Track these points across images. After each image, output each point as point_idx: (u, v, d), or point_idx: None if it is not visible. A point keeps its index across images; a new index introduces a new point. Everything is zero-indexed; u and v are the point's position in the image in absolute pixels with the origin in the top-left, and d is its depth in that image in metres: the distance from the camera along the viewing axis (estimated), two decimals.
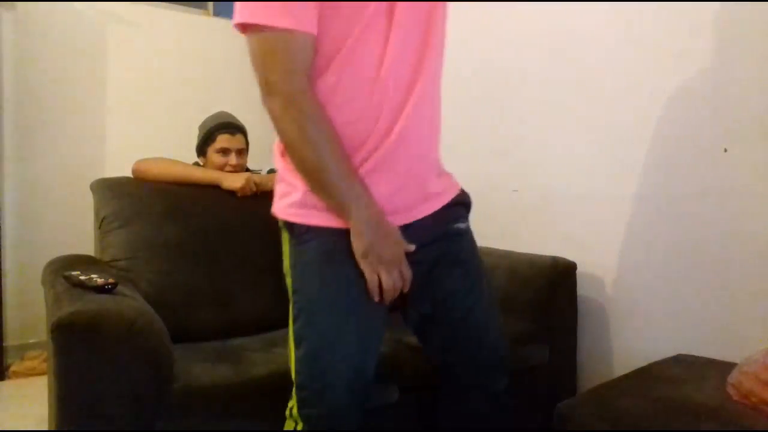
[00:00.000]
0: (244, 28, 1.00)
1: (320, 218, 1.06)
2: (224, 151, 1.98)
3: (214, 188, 1.91)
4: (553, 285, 1.83)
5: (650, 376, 1.35)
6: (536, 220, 2.12)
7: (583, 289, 1.90)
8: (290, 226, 1.11)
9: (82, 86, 2.85)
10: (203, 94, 3.03)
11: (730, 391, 1.20)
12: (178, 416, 1.27)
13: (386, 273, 1.03)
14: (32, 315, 2.61)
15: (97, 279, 1.41)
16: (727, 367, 1.30)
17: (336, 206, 1.03)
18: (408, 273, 1.07)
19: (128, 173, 1.97)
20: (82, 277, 1.42)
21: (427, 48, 1.07)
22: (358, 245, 1.03)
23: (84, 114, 2.85)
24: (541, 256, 1.91)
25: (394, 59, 1.03)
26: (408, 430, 1.57)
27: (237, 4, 1.00)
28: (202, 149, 2.05)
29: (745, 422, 1.08)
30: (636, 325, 1.81)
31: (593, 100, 1.92)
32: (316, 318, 1.07)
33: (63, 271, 1.51)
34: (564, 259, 1.87)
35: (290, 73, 0.99)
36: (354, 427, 1.07)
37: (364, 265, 1.03)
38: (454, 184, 1.24)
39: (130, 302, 1.34)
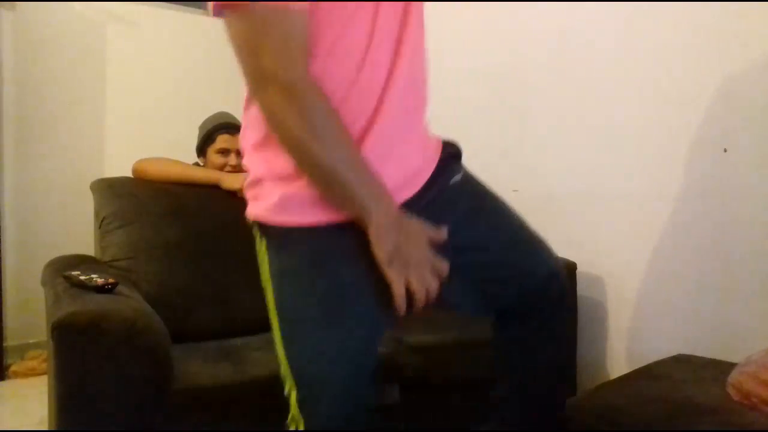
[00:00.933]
0: (225, 8, 0.85)
1: (303, 217, 0.95)
2: (224, 152, 1.98)
3: (214, 188, 1.91)
4: None
5: (650, 376, 1.35)
6: (536, 220, 2.10)
7: (583, 289, 1.90)
8: (268, 231, 0.99)
9: (82, 86, 2.85)
10: (203, 94, 3.02)
11: (730, 391, 1.20)
12: (178, 416, 1.27)
13: (416, 278, 0.90)
14: (32, 315, 2.61)
15: (97, 279, 1.41)
16: (727, 367, 1.29)
17: (353, 209, 0.91)
18: (442, 266, 0.93)
19: (128, 173, 1.97)
20: (82, 277, 1.42)
21: (405, 33, 0.97)
22: (380, 252, 0.89)
23: (84, 114, 2.85)
24: None
25: (375, 48, 0.93)
26: (408, 430, 1.57)
27: None
28: (201, 149, 2.05)
29: (745, 422, 1.08)
30: (636, 325, 1.81)
31: (593, 100, 1.92)
32: (307, 327, 0.97)
33: (63, 271, 1.51)
34: (564, 259, 1.87)
35: (289, 58, 0.85)
36: (359, 428, 1.01)
37: (390, 274, 0.89)
38: (435, 149, 1.12)
39: (130, 302, 1.34)
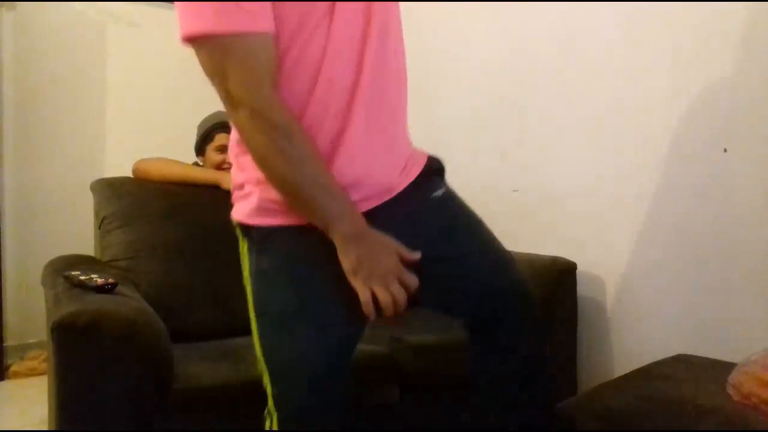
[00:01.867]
0: (190, 39, 0.91)
1: (282, 218, 0.99)
2: (222, 149, 1.99)
3: (214, 188, 1.91)
4: (553, 285, 1.83)
5: (650, 376, 1.35)
6: (536, 220, 2.12)
7: (583, 289, 1.90)
8: (249, 231, 1.03)
9: (82, 86, 2.85)
10: (203, 94, 3.01)
11: (730, 391, 1.20)
12: (178, 416, 1.27)
13: (381, 287, 0.93)
14: (32, 315, 2.61)
15: (97, 279, 1.41)
16: (727, 367, 1.29)
17: (318, 223, 0.95)
18: (411, 280, 0.96)
19: (128, 173, 1.97)
20: (82, 277, 1.42)
21: (367, 41, 0.98)
22: (345, 263, 0.94)
23: (84, 114, 2.85)
24: (541, 256, 1.91)
25: (335, 57, 0.96)
26: (408, 430, 1.57)
27: (178, 12, 0.90)
28: (200, 148, 2.06)
29: (745, 422, 1.08)
30: (636, 325, 1.81)
31: (593, 100, 1.92)
32: (282, 324, 1.01)
33: (63, 271, 1.51)
34: (564, 259, 1.87)
35: (253, 81, 0.90)
36: (335, 427, 1.03)
37: (355, 283, 0.94)
38: (416, 162, 1.13)
39: (130, 302, 1.34)
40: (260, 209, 1.00)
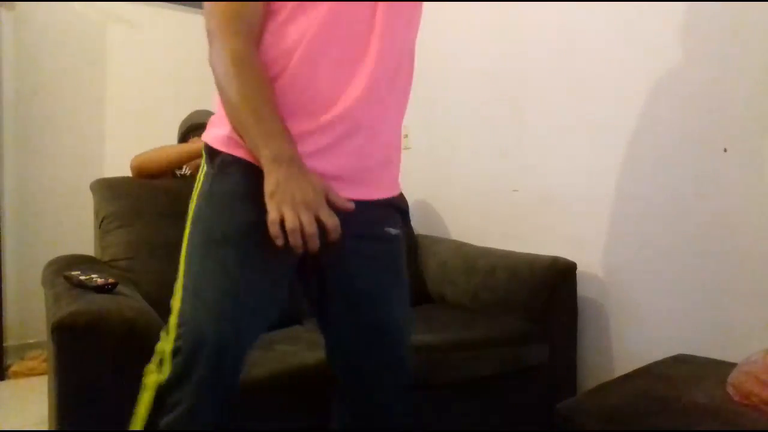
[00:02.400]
0: None
1: (246, 152, 1.01)
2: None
3: None
4: (553, 285, 1.83)
5: (650, 376, 1.35)
6: (536, 220, 2.12)
7: (583, 289, 1.90)
8: (213, 156, 1.06)
9: (82, 86, 2.85)
10: (203, 94, 3.02)
11: (730, 391, 1.20)
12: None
13: (291, 212, 0.91)
14: (32, 315, 2.61)
15: (97, 279, 1.41)
16: (727, 367, 1.29)
17: (250, 146, 0.98)
18: (330, 220, 0.94)
19: (128, 173, 1.97)
20: (82, 277, 1.42)
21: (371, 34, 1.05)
22: (266, 185, 0.94)
23: (84, 114, 2.85)
24: (541, 256, 1.91)
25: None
26: (408, 430, 1.57)
27: None
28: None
29: (745, 422, 1.08)
30: (636, 325, 1.81)
31: (593, 100, 1.92)
32: (218, 249, 1.01)
33: (63, 271, 1.51)
34: (564, 259, 1.87)
35: (231, 23, 1.00)
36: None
37: (269, 205, 0.92)
38: (396, 183, 1.19)
39: (130, 302, 1.34)
40: (230, 139, 1.04)
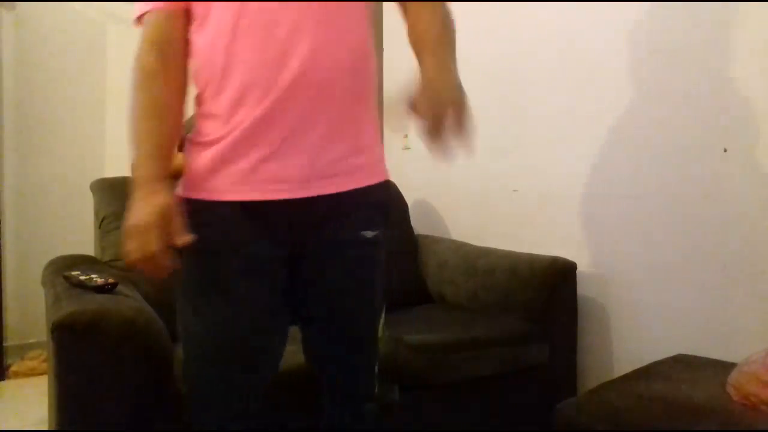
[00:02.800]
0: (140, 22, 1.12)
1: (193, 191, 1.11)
2: None
3: None
4: (553, 285, 1.83)
5: (650, 376, 1.35)
6: (536, 220, 2.12)
7: (583, 289, 1.90)
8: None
9: (82, 86, 2.85)
10: None
11: (730, 391, 1.20)
12: (177, 416, 1.26)
13: (127, 241, 1.00)
14: (32, 315, 2.61)
15: (97, 279, 1.41)
16: (727, 367, 1.30)
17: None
18: (152, 253, 1.00)
19: (128, 173, 1.97)
20: (82, 277, 1.42)
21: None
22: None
23: (84, 114, 2.85)
24: (541, 256, 1.91)
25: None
26: (408, 430, 1.57)
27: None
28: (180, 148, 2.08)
29: (745, 422, 1.09)
30: (636, 325, 1.81)
31: (593, 100, 1.92)
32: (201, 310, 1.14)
33: (63, 271, 1.51)
34: (564, 259, 1.87)
35: (147, 43, 1.09)
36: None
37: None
38: (371, 173, 1.11)
39: (130, 302, 1.34)
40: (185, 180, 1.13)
